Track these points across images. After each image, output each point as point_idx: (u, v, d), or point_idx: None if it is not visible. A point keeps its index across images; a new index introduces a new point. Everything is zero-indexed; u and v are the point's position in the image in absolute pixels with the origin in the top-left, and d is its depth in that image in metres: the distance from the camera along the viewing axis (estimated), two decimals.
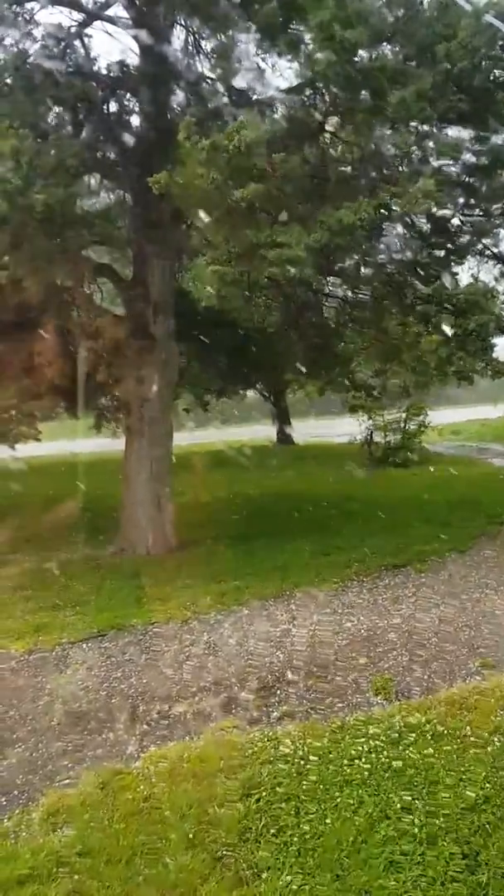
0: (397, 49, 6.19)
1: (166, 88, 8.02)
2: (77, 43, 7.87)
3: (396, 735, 3.91)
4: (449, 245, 8.79)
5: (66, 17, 7.92)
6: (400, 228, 8.65)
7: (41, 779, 3.88)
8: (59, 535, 9.59)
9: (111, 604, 6.77)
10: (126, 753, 4.08)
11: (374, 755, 3.72)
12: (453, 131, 7.16)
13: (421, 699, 4.45)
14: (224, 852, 3.11)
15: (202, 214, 6.73)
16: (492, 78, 6.39)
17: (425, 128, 6.50)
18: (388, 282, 8.90)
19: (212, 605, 6.56)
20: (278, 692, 4.73)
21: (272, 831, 3.22)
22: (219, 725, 4.26)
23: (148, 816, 3.39)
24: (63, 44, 7.49)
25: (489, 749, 3.74)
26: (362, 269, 9.33)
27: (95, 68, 8.02)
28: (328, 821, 3.25)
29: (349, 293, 10.41)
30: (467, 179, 7.92)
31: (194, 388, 16.39)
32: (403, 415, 18.08)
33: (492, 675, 4.76)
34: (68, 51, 7.66)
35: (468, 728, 3.95)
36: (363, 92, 5.93)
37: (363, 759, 3.69)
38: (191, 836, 3.21)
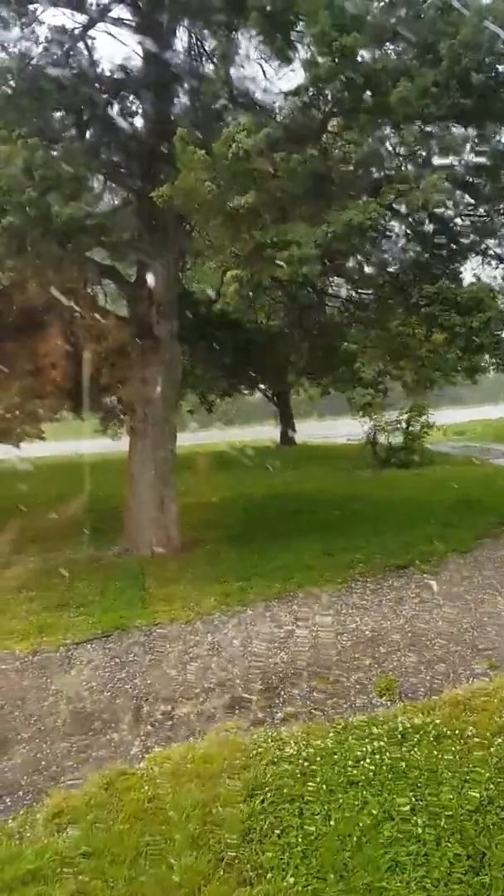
0: (399, 48, 6.19)
1: (169, 91, 8.04)
2: (81, 46, 7.89)
3: (400, 736, 3.91)
4: (452, 245, 8.80)
5: (69, 20, 7.91)
6: (405, 228, 8.67)
7: (46, 779, 3.89)
8: (64, 536, 9.61)
9: (115, 604, 6.78)
10: (130, 754, 4.08)
11: (377, 756, 3.72)
12: (457, 131, 7.16)
13: (425, 700, 4.44)
14: (228, 853, 3.11)
15: (205, 219, 6.74)
16: (494, 76, 6.39)
17: (429, 127, 6.49)
18: (393, 281, 8.91)
19: (216, 605, 6.56)
20: (282, 693, 4.73)
21: (276, 832, 3.22)
22: (223, 726, 4.26)
23: (152, 817, 3.39)
24: (66, 46, 7.51)
25: (492, 750, 3.73)
26: (367, 269, 9.35)
27: (99, 71, 8.05)
28: (332, 821, 3.25)
29: (354, 293, 10.43)
30: (471, 179, 7.92)
31: (198, 388, 16.44)
32: (406, 415, 18.07)
33: (496, 676, 4.75)
34: (72, 53, 7.68)
35: (472, 729, 3.94)
36: (365, 92, 5.92)
37: (367, 760, 3.69)
38: (195, 836, 3.22)
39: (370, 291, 9.88)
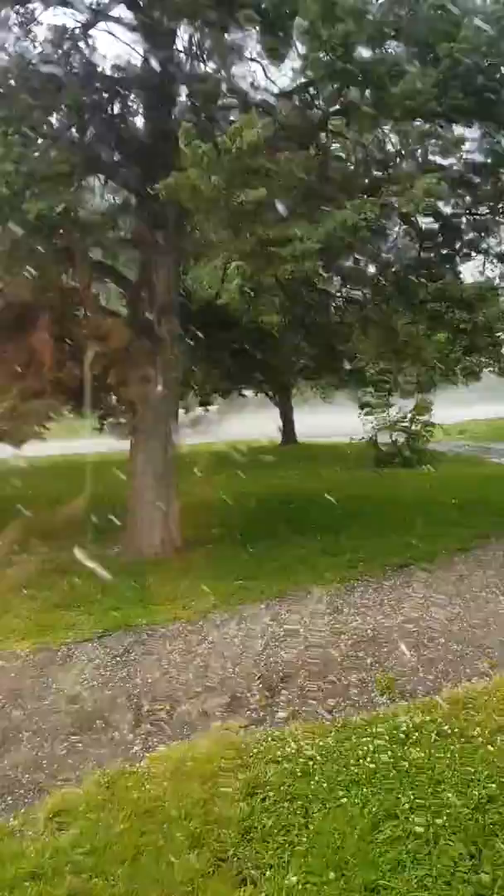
0: (399, 46, 6.18)
1: (169, 89, 8.03)
2: (81, 44, 7.89)
3: (402, 734, 3.90)
4: (453, 244, 8.79)
5: (69, 19, 7.91)
6: (404, 227, 8.67)
7: (47, 777, 3.89)
8: (65, 535, 9.60)
9: (117, 603, 6.78)
10: (131, 753, 4.08)
11: (378, 754, 3.71)
12: (458, 129, 7.16)
13: (426, 698, 4.43)
14: (229, 851, 3.11)
15: (208, 216, 6.73)
16: (496, 75, 6.38)
17: (428, 126, 6.48)
18: (394, 280, 8.91)
19: (217, 604, 6.56)
20: (283, 691, 4.73)
21: (277, 830, 3.22)
22: (224, 725, 4.26)
23: (153, 815, 3.39)
24: (66, 45, 7.50)
25: (493, 748, 3.72)
26: (369, 268, 9.34)
27: (99, 69, 8.04)
28: (333, 820, 3.25)
29: (355, 292, 10.42)
30: (471, 178, 7.91)
31: (199, 388, 16.44)
32: (409, 414, 18.05)
33: (497, 674, 4.74)
34: (72, 52, 7.67)
35: (473, 727, 3.93)
36: (364, 88, 5.92)
37: (368, 759, 3.68)
38: (196, 835, 3.21)
39: (371, 290, 9.88)
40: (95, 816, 3.40)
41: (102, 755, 4.06)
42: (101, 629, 6.08)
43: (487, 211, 8.68)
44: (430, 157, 6.95)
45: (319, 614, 6.20)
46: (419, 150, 6.76)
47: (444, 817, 3.19)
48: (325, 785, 3.51)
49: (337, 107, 6.55)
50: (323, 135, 6.93)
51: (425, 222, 8.49)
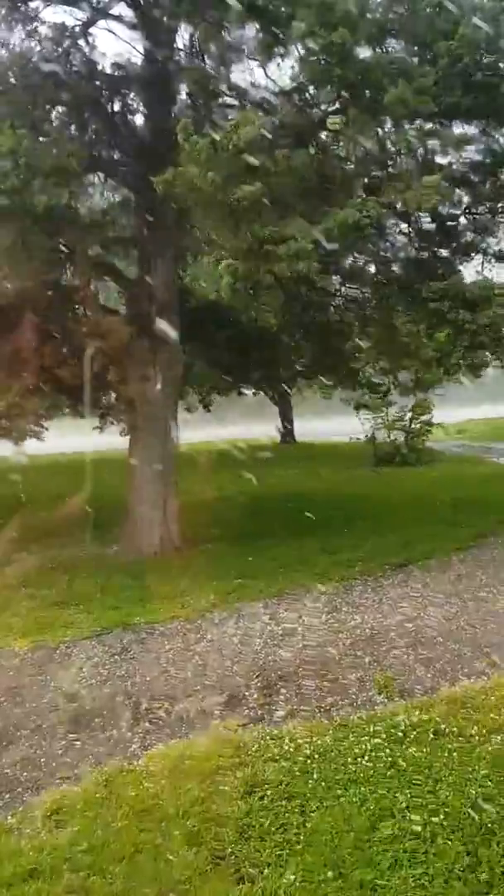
0: (398, 46, 6.18)
1: (168, 87, 8.02)
2: (81, 42, 7.87)
3: (399, 733, 3.91)
4: (454, 243, 8.78)
5: (69, 17, 7.90)
6: (406, 226, 8.65)
7: (45, 776, 3.89)
8: (64, 533, 9.61)
9: (115, 602, 6.78)
10: (129, 751, 4.09)
11: (376, 753, 3.72)
12: (458, 129, 7.15)
13: (424, 697, 4.44)
14: (227, 850, 3.11)
15: (206, 213, 6.73)
16: (497, 74, 6.37)
17: (428, 125, 6.48)
18: (395, 279, 8.89)
19: (216, 603, 6.56)
20: (282, 690, 4.73)
21: (275, 829, 3.22)
22: (222, 723, 4.26)
23: (151, 814, 3.39)
24: (67, 42, 7.49)
25: (490, 748, 3.72)
26: (369, 267, 9.32)
27: (100, 67, 8.03)
28: (331, 819, 3.25)
29: (355, 291, 10.40)
30: (472, 177, 7.90)
31: (199, 386, 16.41)
32: (409, 414, 18.06)
33: (495, 673, 4.74)
34: (72, 50, 7.66)
35: (470, 726, 3.94)
36: (362, 91, 5.91)
37: (366, 758, 3.69)
38: (194, 833, 3.22)
39: (371, 289, 9.86)
40: (94, 814, 3.41)
41: (101, 753, 4.07)
42: (100, 627, 6.08)
43: (486, 210, 8.66)
44: (430, 157, 6.93)
45: (318, 613, 6.20)
46: (419, 149, 6.74)
47: (442, 816, 3.19)
48: (322, 783, 3.52)
49: (336, 106, 6.54)
50: (322, 133, 6.91)
51: (425, 222, 8.48)
